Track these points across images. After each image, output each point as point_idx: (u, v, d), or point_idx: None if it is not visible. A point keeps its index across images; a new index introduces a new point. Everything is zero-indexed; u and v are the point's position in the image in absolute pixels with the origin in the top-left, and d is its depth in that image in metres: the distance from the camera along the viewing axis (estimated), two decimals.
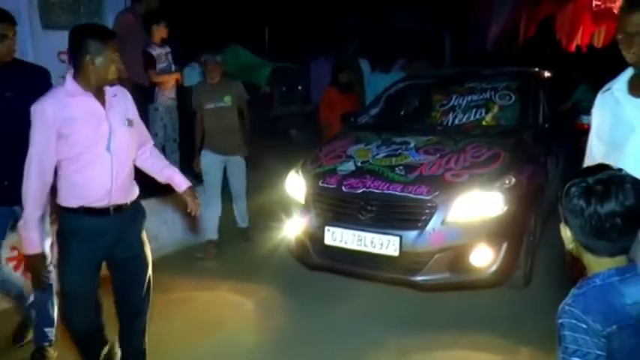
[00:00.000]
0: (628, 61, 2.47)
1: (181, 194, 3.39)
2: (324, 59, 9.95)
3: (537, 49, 11.01)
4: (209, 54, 5.60)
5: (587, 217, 1.59)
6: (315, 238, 4.52)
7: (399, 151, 4.77)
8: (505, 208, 4.20)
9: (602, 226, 1.58)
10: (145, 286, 3.23)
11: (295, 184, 4.87)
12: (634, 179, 1.61)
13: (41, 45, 5.83)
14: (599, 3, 9.85)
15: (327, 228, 4.42)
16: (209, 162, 5.67)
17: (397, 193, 4.29)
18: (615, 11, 9.52)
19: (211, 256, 5.65)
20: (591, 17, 10.15)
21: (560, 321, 1.62)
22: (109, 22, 6.23)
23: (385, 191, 4.33)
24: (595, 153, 2.72)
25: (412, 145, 4.85)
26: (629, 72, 2.55)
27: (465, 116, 5.39)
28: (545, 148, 5.05)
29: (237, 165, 5.77)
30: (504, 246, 4.20)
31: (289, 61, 12.84)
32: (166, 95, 6.18)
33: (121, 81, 5.62)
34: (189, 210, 3.39)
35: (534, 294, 4.56)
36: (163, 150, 6.18)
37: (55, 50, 5.96)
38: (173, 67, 6.25)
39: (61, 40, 5.22)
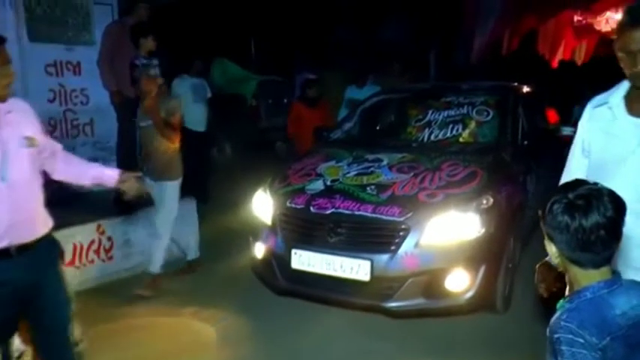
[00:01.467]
0: (629, 78, 2.21)
1: (119, 185, 2.92)
2: (309, 72, 9.77)
3: (522, 63, 10.82)
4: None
5: (573, 232, 1.61)
6: (282, 261, 4.19)
7: (371, 169, 4.47)
8: (482, 230, 3.91)
9: (587, 239, 1.60)
10: (69, 328, 2.75)
11: (262, 204, 4.56)
12: (609, 191, 1.64)
13: (28, 58, 5.68)
14: (580, 18, 9.72)
15: (294, 251, 4.09)
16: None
17: (368, 214, 3.98)
18: (596, 27, 9.41)
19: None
20: (573, 32, 10.03)
21: (556, 336, 1.62)
22: (97, 34, 6.07)
23: (355, 212, 4.02)
24: (574, 167, 2.47)
25: (385, 162, 4.54)
26: (624, 86, 2.29)
27: (441, 132, 5.09)
28: (524, 166, 4.78)
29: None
30: (482, 270, 3.90)
31: (275, 74, 12.71)
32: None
33: (111, 94, 5.58)
34: (122, 190, 2.92)
35: (514, 318, 4.24)
36: None
37: (42, 63, 5.85)
38: (159, 80, 5.80)
39: (48, 52, 5.85)
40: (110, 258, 5.25)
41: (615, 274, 1.71)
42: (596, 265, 1.66)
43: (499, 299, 4.16)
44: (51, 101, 5.96)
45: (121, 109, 5.90)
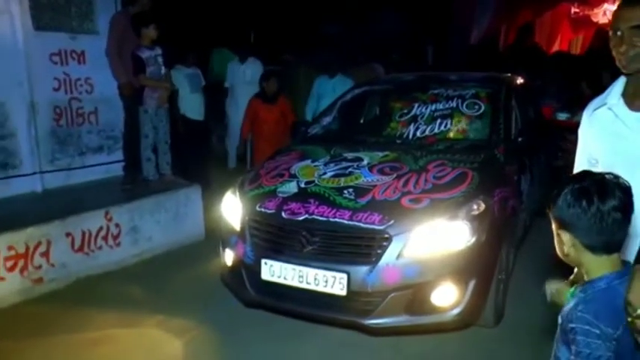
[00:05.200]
0: (618, 65, 2.07)
1: None
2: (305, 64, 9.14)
3: (519, 56, 10.35)
4: None
5: (591, 216, 1.61)
6: (252, 271, 3.63)
7: (350, 169, 3.89)
8: (472, 240, 3.35)
9: (604, 221, 1.61)
10: None
11: (231, 207, 3.98)
12: (615, 176, 1.67)
13: (33, 46, 5.48)
14: (577, 10, 9.28)
15: (264, 261, 3.53)
16: None
17: (344, 221, 3.41)
18: (593, 19, 8.99)
19: None
20: (570, 25, 9.61)
21: (571, 326, 1.63)
22: (101, 23, 5.87)
23: (330, 219, 3.45)
24: None
25: (365, 162, 3.97)
26: (620, 83, 2.15)
27: (428, 128, 4.48)
28: (518, 165, 4.20)
29: None
30: (472, 283, 3.36)
31: (275, 64, 12.30)
32: (155, 98, 5.67)
33: (120, 85, 5.76)
34: None
35: (506, 332, 3.72)
36: (155, 152, 5.89)
37: (47, 52, 5.65)
38: (163, 69, 5.76)
39: (53, 41, 5.65)
40: (118, 244, 5.16)
41: (625, 264, 1.71)
42: (610, 250, 1.66)
43: (490, 313, 3.61)
44: (56, 90, 5.74)
45: (129, 99, 5.74)
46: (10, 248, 4.33)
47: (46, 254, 4.56)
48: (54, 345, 3.72)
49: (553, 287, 2.00)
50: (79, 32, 5.88)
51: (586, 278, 1.71)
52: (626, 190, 1.64)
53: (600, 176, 1.68)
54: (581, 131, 2.29)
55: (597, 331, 1.58)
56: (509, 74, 5.46)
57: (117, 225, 5.14)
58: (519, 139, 4.38)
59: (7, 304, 4.29)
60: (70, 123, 5.92)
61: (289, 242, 3.54)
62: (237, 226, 3.82)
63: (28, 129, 5.51)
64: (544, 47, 9.97)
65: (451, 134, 4.45)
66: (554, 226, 1.74)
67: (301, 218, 3.53)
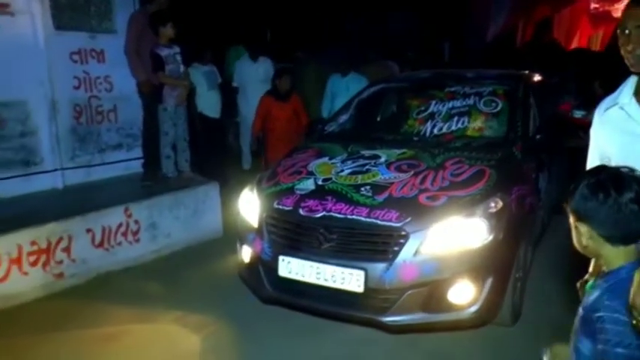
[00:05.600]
0: (626, 63, 2.04)
1: None
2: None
3: (537, 52, 10.15)
4: None
5: (607, 208, 1.64)
6: (269, 267, 3.62)
7: (367, 167, 3.87)
8: (490, 237, 3.32)
9: (622, 213, 1.63)
10: None
11: (248, 204, 3.98)
12: (630, 169, 1.70)
13: (53, 46, 5.55)
14: (597, 6, 9.06)
15: (281, 257, 3.52)
16: None
17: (362, 218, 3.40)
18: (614, 14, 8.80)
19: None
20: (589, 21, 9.39)
21: (597, 315, 1.64)
22: (119, 22, 5.92)
23: (348, 216, 3.44)
24: None
25: (383, 159, 3.95)
26: (631, 82, 2.13)
27: (445, 125, 4.45)
28: (536, 162, 4.16)
29: None
30: (489, 281, 3.33)
31: (287, 62, 12.25)
32: (175, 96, 5.70)
33: (139, 83, 5.81)
34: None
35: (524, 331, 3.67)
36: (174, 149, 5.92)
37: (67, 51, 5.72)
38: (182, 67, 5.80)
39: (73, 40, 5.72)
40: (137, 240, 5.19)
41: None
42: (627, 241, 1.69)
43: (507, 312, 3.57)
44: (76, 88, 5.81)
45: (147, 97, 5.74)
46: (32, 243, 4.38)
47: (67, 249, 4.61)
48: (71, 340, 3.76)
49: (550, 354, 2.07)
50: (99, 31, 5.93)
51: (605, 269, 1.74)
52: None
53: (616, 170, 1.71)
54: (592, 131, 2.27)
55: (625, 319, 1.59)
56: (526, 71, 5.38)
57: (136, 221, 5.17)
58: (537, 137, 4.32)
59: (31, 298, 4.34)
60: (89, 121, 5.98)
61: (307, 239, 3.52)
62: (254, 223, 3.82)
63: (49, 127, 5.57)
64: (562, 43, 9.78)
65: (468, 132, 4.41)
66: (571, 220, 1.76)
67: (319, 215, 3.52)
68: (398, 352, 3.56)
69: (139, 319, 4.03)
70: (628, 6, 2.02)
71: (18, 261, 4.30)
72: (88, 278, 4.74)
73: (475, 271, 3.31)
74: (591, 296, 1.70)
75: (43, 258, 4.46)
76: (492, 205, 3.42)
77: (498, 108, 4.48)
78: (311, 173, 3.94)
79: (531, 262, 4.06)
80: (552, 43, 9.32)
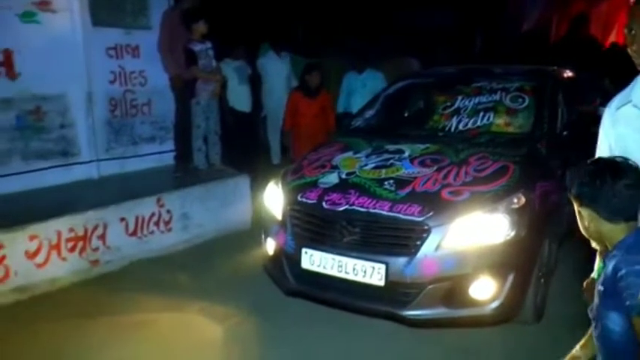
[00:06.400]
0: (635, 62, 2.03)
1: None
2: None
3: (572, 48, 9.79)
4: None
5: (606, 192, 1.71)
6: (292, 260, 3.60)
7: (391, 161, 3.83)
8: (512, 233, 3.25)
9: (620, 197, 1.70)
10: None
11: (273, 197, 3.97)
12: (625, 158, 1.78)
13: (91, 41, 5.66)
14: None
15: (304, 250, 3.51)
16: None
17: (384, 212, 3.36)
18: None
19: None
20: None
21: (621, 273, 1.63)
22: (154, 18, 5.97)
23: (370, 210, 3.40)
24: None
25: (407, 154, 3.90)
26: None
27: (471, 121, 4.34)
28: (562, 159, 4.04)
29: None
30: (510, 277, 3.26)
31: (312, 57, 12.15)
32: (208, 90, 5.78)
33: (171, 78, 5.87)
34: None
35: (547, 328, 3.59)
36: (205, 141, 6.01)
37: (104, 46, 5.83)
38: (214, 62, 5.89)
39: (109, 36, 5.83)
40: (169, 230, 5.24)
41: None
42: (628, 219, 1.74)
43: (529, 309, 3.49)
44: (112, 82, 5.92)
45: (179, 91, 5.79)
46: (70, 230, 4.47)
47: (102, 237, 4.71)
48: (101, 326, 3.81)
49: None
50: (134, 27, 6.01)
51: (610, 247, 1.77)
52: (637, 169, 1.75)
53: (612, 159, 1.82)
54: (602, 128, 2.22)
55: None
56: (556, 67, 5.23)
57: (168, 211, 5.22)
58: (564, 133, 4.20)
59: (68, 283, 4.45)
60: (124, 114, 6.08)
61: (329, 232, 3.50)
62: (278, 216, 3.81)
63: (86, 119, 5.67)
64: (599, 39, 9.40)
65: (493, 127, 4.30)
66: (575, 206, 1.83)
67: (341, 209, 3.49)
68: (420, 347, 3.51)
69: (166, 307, 4.07)
70: (633, 6, 2.01)
71: (57, 247, 4.41)
72: (122, 265, 4.83)
73: (497, 267, 3.24)
74: (607, 268, 1.71)
75: (80, 244, 4.56)
76: (515, 201, 3.35)
77: (525, 104, 4.37)
78: (335, 167, 3.92)
79: (557, 260, 3.95)
80: (588, 38, 9.02)
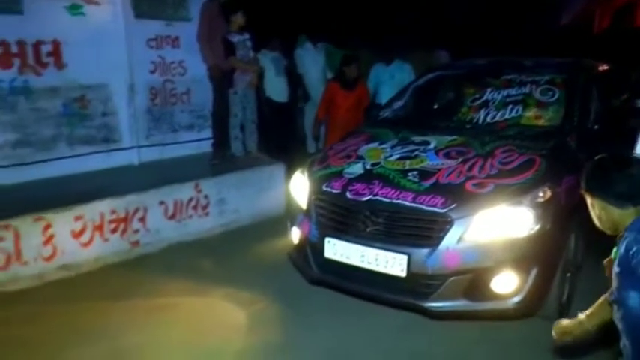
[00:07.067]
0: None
1: None
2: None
3: (615, 41, 9.23)
4: None
5: (615, 179, 1.79)
6: (316, 249, 3.46)
7: (416, 152, 3.63)
8: (536, 227, 3.05)
9: (625, 187, 1.77)
10: None
11: (299, 186, 3.83)
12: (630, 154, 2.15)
13: (133, 33, 5.66)
14: None
15: (327, 239, 3.36)
16: None
17: (407, 203, 3.18)
18: None
19: None
20: None
21: (632, 251, 1.66)
22: (194, 10, 5.89)
23: (394, 200, 3.23)
24: None
25: (432, 146, 3.70)
26: None
27: (499, 114, 4.09)
28: (592, 153, 3.78)
29: None
30: (533, 272, 3.06)
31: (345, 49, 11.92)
32: (245, 80, 5.72)
33: (209, 67, 5.77)
34: None
35: None
36: (242, 130, 5.96)
37: (145, 37, 5.82)
38: (251, 53, 5.83)
39: (150, 28, 5.80)
40: (207, 214, 5.21)
41: None
42: (636, 204, 1.77)
43: (553, 305, 3.27)
44: (152, 72, 5.92)
45: (217, 81, 5.72)
46: (112, 212, 4.49)
47: (142, 220, 4.70)
48: (129, 308, 3.76)
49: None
50: (174, 19, 5.97)
51: (621, 231, 1.80)
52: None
53: (617, 153, 1.93)
54: None
55: None
56: (591, 60, 4.91)
57: (206, 197, 5.17)
58: (595, 127, 3.92)
59: (110, 262, 4.46)
60: (164, 103, 6.05)
61: (352, 222, 3.34)
62: (303, 205, 3.67)
63: (127, 108, 5.68)
64: None
65: (522, 120, 4.05)
66: (588, 200, 1.89)
67: (365, 199, 3.32)
68: (439, 337, 3.35)
69: (194, 291, 4.00)
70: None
71: (100, 228, 4.44)
72: (160, 247, 4.81)
73: (519, 260, 3.05)
74: (620, 250, 1.74)
75: (122, 226, 4.57)
76: (540, 194, 3.13)
77: (555, 97, 4.09)
78: (360, 158, 3.74)
79: (584, 255, 3.69)
80: (633, 30, 8.50)
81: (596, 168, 1.86)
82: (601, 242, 2.05)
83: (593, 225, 3.89)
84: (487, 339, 3.32)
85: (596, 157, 1.91)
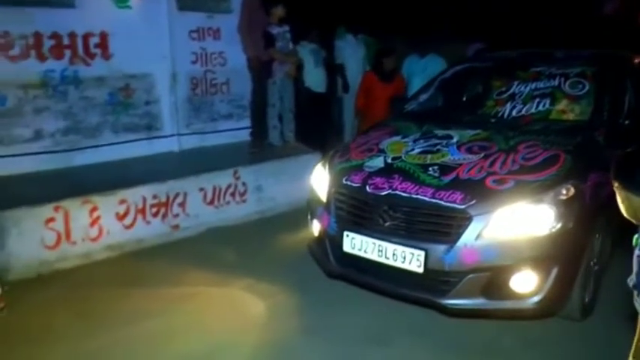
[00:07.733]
0: None
1: None
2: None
3: None
4: None
5: (635, 174, 1.73)
6: (334, 242, 3.29)
7: (438, 147, 3.40)
8: (558, 226, 2.80)
9: None
10: None
11: (320, 179, 3.65)
12: None
13: (176, 25, 5.61)
14: None
15: (346, 233, 3.19)
16: None
17: (426, 198, 2.97)
18: None
19: None
20: None
21: None
22: (235, 3, 5.80)
23: (413, 195, 3.02)
24: None
25: (455, 140, 3.45)
26: None
27: (525, 107, 3.79)
28: (622, 149, 3.45)
29: None
30: (554, 271, 2.82)
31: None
32: (284, 70, 5.65)
33: (249, 58, 5.68)
34: None
35: (592, 329, 3.09)
36: (280, 119, 5.88)
37: (187, 29, 5.76)
38: (291, 45, 5.75)
39: (192, 20, 5.74)
40: (244, 201, 5.16)
41: None
42: None
43: (576, 305, 3.02)
44: (194, 63, 5.86)
45: (257, 71, 5.61)
46: (154, 197, 4.48)
47: (182, 205, 4.67)
48: (156, 295, 3.66)
49: None
50: (216, 12, 5.90)
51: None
52: None
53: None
54: None
55: None
56: (628, 52, 4.46)
57: (244, 184, 5.11)
58: (626, 123, 3.58)
59: (150, 245, 4.46)
60: (204, 92, 6.00)
61: (371, 216, 3.15)
62: (323, 198, 3.49)
63: (169, 97, 5.65)
64: None
65: (548, 114, 3.74)
66: (617, 194, 1.79)
67: (384, 193, 3.13)
68: (457, 338, 3.14)
69: (216, 282, 3.86)
70: None
71: (142, 211, 4.44)
72: (199, 231, 4.77)
73: (540, 259, 2.81)
74: None
75: (163, 210, 4.56)
76: (563, 191, 2.87)
77: (585, 90, 3.76)
78: (382, 151, 3.53)
79: (611, 256, 3.40)
80: None
81: (625, 159, 1.87)
82: (630, 243, 1.86)
83: (622, 224, 3.57)
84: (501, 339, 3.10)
85: (627, 150, 1.92)
